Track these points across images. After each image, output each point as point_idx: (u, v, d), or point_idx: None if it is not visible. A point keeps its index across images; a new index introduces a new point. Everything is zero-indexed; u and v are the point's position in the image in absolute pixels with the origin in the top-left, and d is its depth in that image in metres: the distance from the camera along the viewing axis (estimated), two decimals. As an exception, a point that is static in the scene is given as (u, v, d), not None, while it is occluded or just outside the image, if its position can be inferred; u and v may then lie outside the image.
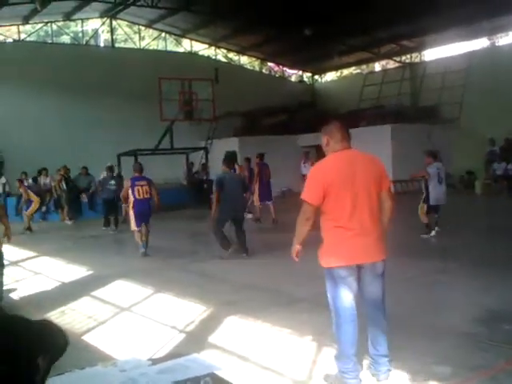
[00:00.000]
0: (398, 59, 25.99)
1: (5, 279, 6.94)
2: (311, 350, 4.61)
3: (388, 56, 25.75)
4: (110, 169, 14.74)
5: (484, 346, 4.47)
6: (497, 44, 23.34)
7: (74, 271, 8.78)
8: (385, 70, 26.69)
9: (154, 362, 2.09)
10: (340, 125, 3.98)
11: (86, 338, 5.27)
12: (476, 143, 19.57)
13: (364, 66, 28.89)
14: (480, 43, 23.46)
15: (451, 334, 4.78)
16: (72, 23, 24.77)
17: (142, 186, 10.14)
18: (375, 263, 3.81)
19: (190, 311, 5.97)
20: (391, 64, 26.89)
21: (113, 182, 14.16)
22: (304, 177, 19.86)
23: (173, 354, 4.37)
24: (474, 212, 15.03)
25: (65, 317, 5.99)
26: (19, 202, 17.80)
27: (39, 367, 1.38)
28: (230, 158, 9.68)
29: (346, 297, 3.76)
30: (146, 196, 10.12)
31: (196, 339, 5.04)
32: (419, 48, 24.59)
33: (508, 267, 7.29)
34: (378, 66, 28.53)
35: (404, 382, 3.89)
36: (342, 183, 3.72)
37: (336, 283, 3.77)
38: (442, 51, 24.46)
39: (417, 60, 25.26)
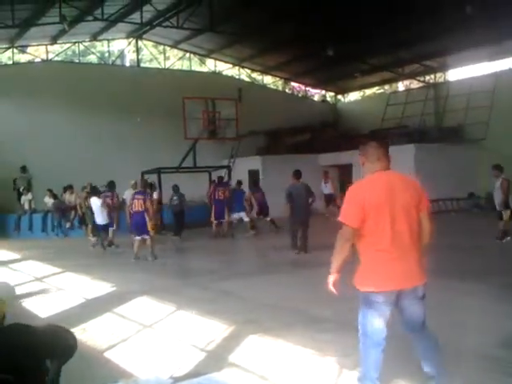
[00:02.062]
0: (421, 79, 25.88)
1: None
2: (333, 371, 4.56)
3: (411, 76, 25.66)
4: (175, 187, 16.22)
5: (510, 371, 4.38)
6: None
7: (97, 287, 8.86)
8: (408, 90, 26.58)
9: (175, 380, 2.09)
10: (377, 144, 3.83)
11: (107, 354, 5.29)
12: (502, 164, 19.29)
13: (387, 86, 28.82)
14: (506, 63, 23.22)
15: (479, 358, 4.69)
16: (98, 43, 25.26)
17: (138, 199, 11.54)
18: (416, 287, 3.72)
19: (210, 329, 5.96)
20: (415, 84, 26.78)
21: (175, 197, 15.91)
22: (325, 196, 19.81)
23: (193, 373, 4.38)
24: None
25: (87, 333, 6.03)
26: (45, 218, 18.12)
27: (48, 369, 1.40)
28: (297, 172, 11.81)
29: (379, 322, 3.69)
30: (139, 209, 11.45)
31: (216, 358, 5.02)
32: (443, 68, 24.48)
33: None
34: (401, 86, 28.43)
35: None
36: (382, 205, 3.61)
37: (371, 308, 3.68)
38: (467, 71, 24.29)
39: (441, 80, 25.12)
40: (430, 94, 24.31)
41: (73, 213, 17.78)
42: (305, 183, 11.81)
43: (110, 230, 14.07)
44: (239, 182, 17.29)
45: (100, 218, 13.47)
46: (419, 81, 26.07)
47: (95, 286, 8.98)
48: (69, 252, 14.32)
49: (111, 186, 14.41)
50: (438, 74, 25.15)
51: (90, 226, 16.68)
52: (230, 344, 5.41)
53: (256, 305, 7.16)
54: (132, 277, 9.86)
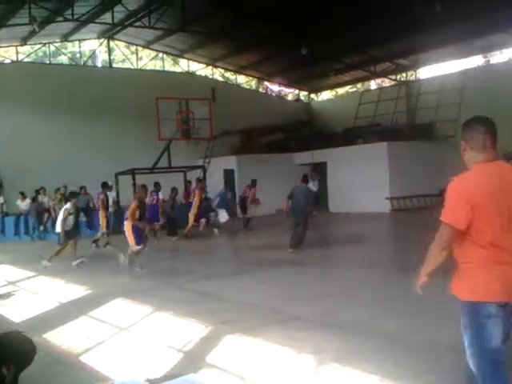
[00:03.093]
0: (393, 77, 26.20)
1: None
2: (310, 368, 4.59)
3: (383, 74, 25.95)
4: (173, 188, 17.11)
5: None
6: (491, 62, 23.56)
7: (72, 291, 8.76)
8: (380, 88, 26.88)
9: (151, 382, 2.09)
10: (484, 129, 3.15)
11: (83, 358, 5.24)
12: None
13: (360, 85, 29.10)
14: (475, 61, 23.68)
15: (451, 352, 4.75)
16: (70, 44, 24.97)
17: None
18: None
19: (187, 330, 5.95)
20: (387, 82, 27.09)
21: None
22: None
23: (170, 375, 4.37)
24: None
25: (62, 337, 5.97)
26: (18, 222, 17.84)
27: (4, 376, 1.41)
28: (304, 176, 12.73)
29: (495, 337, 3.05)
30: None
31: (193, 359, 5.02)
32: (414, 66, 24.81)
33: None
34: (373, 84, 28.73)
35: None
36: (492, 202, 3.02)
37: (482, 322, 3.04)
38: (438, 69, 24.69)
39: (412, 78, 25.47)
40: (401, 92, 24.61)
41: (46, 215, 17.57)
42: (307, 187, 12.65)
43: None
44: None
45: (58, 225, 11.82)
46: (391, 79, 26.39)
47: (70, 290, 8.88)
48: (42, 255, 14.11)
49: (103, 186, 14.53)
50: (410, 72, 25.49)
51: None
52: (207, 344, 5.41)
53: (233, 305, 7.17)
54: (107, 280, 9.78)
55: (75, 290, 8.80)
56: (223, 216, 16.58)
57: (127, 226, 10.47)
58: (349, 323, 5.87)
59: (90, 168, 20.48)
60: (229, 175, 22.70)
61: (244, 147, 24.93)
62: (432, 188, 21.00)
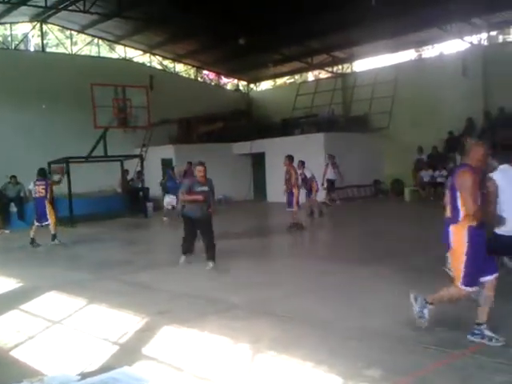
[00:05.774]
0: (330, 69, 26.61)
1: None
2: (247, 357, 4.64)
3: (320, 66, 26.31)
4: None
5: (414, 348, 4.62)
6: (423, 56, 24.34)
7: (1, 284, 8.45)
8: (317, 80, 27.24)
9: (83, 376, 2.07)
10: None
11: (13, 353, 5.09)
12: (404, 151, 20.29)
13: (298, 76, 29.37)
14: (407, 55, 24.39)
15: (382, 338, 4.92)
16: (1, 27, 23.88)
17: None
18: None
19: (123, 322, 5.87)
20: (324, 74, 27.49)
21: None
22: (328, 182, 18.84)
23: (104, 368, 4.31)
24: (401, 218, 15.53)
25: (-9, 332, 5.77)
26: None
27: None
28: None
29: None
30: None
31: (129, 351, 4.97)
32: (350, 59, 25.27)
33: (436, 272, 7.62)
34: (311, 76, 29.07)
35: (335, 386, 3.97)
36: None
37: None
38: (372, 63, 25.25)
39: (348, 71, 25.94)
40: (337, 84, 25.03)
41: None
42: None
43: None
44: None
45: None
46: (328, 71, 26.79)
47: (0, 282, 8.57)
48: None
49: (42, 173, 12.83)
50: (346, 65, 25.95)
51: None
52: (143, 336, 5.37)
53: (170, 296, 7.12)
54: (40, 271, 9.50)
55: (5, 283, 8.50)
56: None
57: None
58: (285, 312, 5.97)
59: (20, 156, 19.75)
60: (167, 164, 22.46)
61: (182, 136, 24.70)
62: (366, 178, 21.61)
